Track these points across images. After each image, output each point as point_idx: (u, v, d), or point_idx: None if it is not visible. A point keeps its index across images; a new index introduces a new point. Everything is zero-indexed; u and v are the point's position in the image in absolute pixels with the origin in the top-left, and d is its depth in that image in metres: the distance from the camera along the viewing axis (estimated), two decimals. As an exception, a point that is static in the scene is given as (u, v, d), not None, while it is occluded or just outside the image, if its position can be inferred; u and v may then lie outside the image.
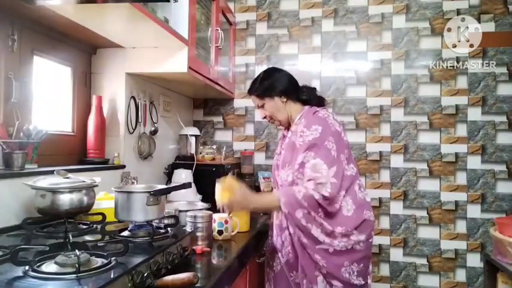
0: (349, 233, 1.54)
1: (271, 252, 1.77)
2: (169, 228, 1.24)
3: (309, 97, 1.69)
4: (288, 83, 1.69)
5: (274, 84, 1.67)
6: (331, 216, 1.53)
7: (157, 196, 1.21)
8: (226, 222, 1.59)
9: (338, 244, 1.53)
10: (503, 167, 2.47)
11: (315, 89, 1.74)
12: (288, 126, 1.74)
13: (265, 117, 1.72)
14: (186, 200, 1.91)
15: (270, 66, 2.70)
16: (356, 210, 1.57)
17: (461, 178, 2.51)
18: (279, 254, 1.66)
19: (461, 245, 2.50)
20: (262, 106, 1.69)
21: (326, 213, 1.52)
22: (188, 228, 1.39)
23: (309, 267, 1.56)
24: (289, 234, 1.60)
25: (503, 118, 2.47)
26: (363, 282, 1.59)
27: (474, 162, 2.49)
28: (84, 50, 1.89)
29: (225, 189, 1.48)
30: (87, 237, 1.13)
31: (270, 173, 2.48)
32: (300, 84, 1.75)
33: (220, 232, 1.58)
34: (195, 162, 2.24)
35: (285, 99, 1.66)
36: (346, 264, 1.55)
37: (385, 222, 2.59)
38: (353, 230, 1.55)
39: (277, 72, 1.73)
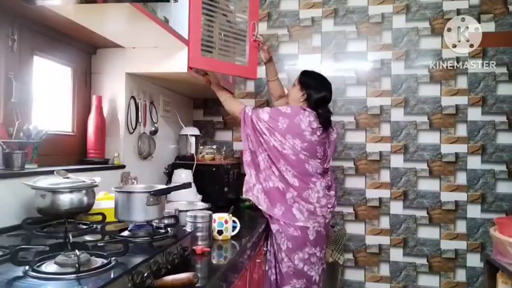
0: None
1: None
2: (169, 228, 1.23)
3: (319, 112, 1.95)
4: (319, 98, 1.97)
5: (314, 88, 1.98)
6: None
7: (157, 196, 1.21)
8: (226, 222, 1.59)
9: None
10: (503, 167, 2.47)
11: (330, 113, 2.01)
12: None
13: (287, 89, 2.15)
14: (186, 200, 1.91)
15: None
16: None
17: (461, 178, 2.51)
18: (243, 187, 2.00)
19: (461, 245, 2.50)
20: (294, 85, 2.05)
21: None
22: (188, 228, 1.39)
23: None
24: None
25: (503, 118, 2.47)
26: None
27: (474, 162, 2.50)
28: (84, 50, 1.89)
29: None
30: (87, 237, 1.13)
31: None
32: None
33: (220, 232, 1.58)
34: (195, 162, 2.24)
35: (303, 99, 1.98)
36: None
37: (385, 222, 2.59)
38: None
39: (325, 87, 2.01)
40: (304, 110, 1.92)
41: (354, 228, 2.62)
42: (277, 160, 1.91)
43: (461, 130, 2.52)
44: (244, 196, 2.02)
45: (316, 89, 1.98)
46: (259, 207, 1.93)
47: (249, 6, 2.11)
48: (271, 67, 2.19)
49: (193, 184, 2.11)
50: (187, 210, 1.56)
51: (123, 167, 1.90)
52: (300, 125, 1.88)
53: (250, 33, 2.09)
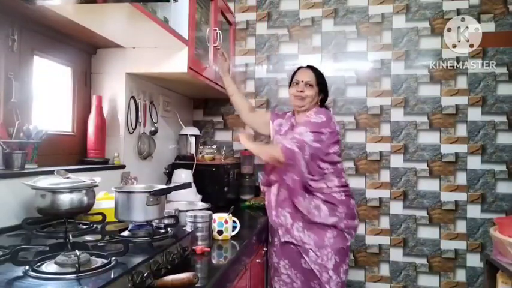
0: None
1: (271, 230, 2.03)
2: (169, 228, 1.24)
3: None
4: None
5: (326, 88, 2.02)
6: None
7: (157, 196, 1.21)
8: (226, 222, 1.59)
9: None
10: (503, 167, 2.47)
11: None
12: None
13: (301, 91, 1.95)
14: (186, 200, 1.91)
15: (270, 66, 2.74)
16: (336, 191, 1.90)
17: (461, 178, 2.51)
18: (279, 231, 1.91)
19: (461, 245, 2.50)
20: (311, 86, 1.95)
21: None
22: (188, 228, 1.39)
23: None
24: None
25: (503, 118, 2.47)
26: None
27: (474, 162, 2.49)
28: (84, 50, 1.89)
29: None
30: (87, 237, 1.13)
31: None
32: None
33: (220, 232, 1.58)
34: (195, 162, 2.24)
35: (319, 98, 1.99)
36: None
37: (385, 222, 2.59)
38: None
39: None
40: (327, 110, 1.99)
41: (354, 228, 2.62)
42: (324, 183, 1.87)
43: (461, 130, 2.52)
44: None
45: (326, 89, 2.02)
46: (306, 246, 1.83)
47: (212, 12, 2.18)
48: (230, 79, 2.17)
49: (193, 184, 2.11)
50: (187, 210, 1.56)
51: (123, 167, 1.90)
52: (335, 128, 1.90)
53: (212, 39, 2.14)
